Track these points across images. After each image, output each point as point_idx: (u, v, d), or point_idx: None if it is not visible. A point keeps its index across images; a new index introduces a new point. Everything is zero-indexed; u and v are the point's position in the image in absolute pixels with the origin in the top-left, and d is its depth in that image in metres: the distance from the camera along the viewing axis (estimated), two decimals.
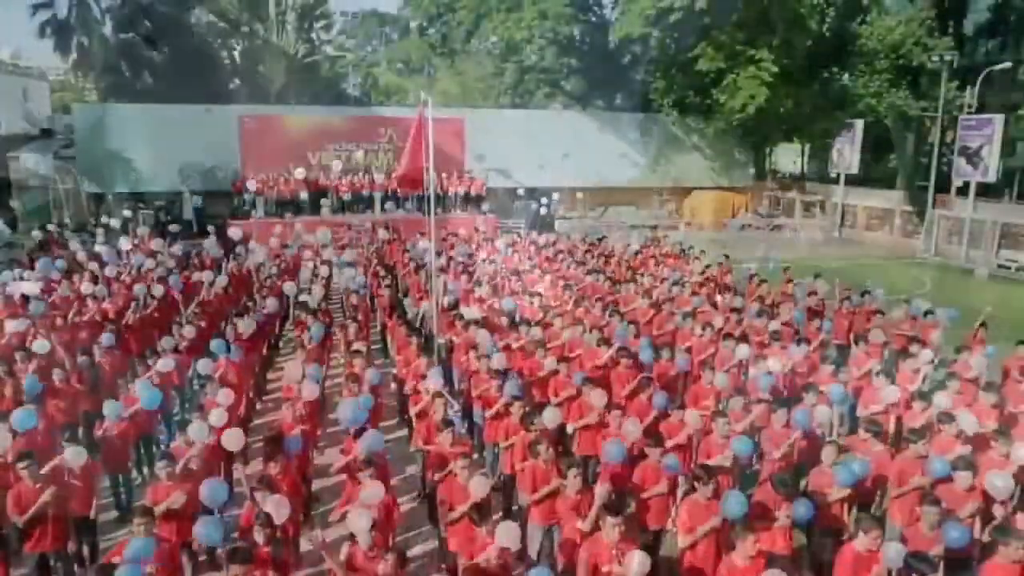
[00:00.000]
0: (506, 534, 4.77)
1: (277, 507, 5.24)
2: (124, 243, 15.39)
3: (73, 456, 6.11)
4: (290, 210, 22.81)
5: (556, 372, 8.06)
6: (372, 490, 5.48)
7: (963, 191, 26.98)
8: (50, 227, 20.62)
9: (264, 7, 33.13)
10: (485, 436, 7.96)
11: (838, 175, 31.77)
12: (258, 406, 10.53)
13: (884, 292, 12.57)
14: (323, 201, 22.86)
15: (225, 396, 7.34)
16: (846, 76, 33.05)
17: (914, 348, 9.59)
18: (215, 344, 9.00)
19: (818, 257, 24.42)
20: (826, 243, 29.24)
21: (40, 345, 8.85)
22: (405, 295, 13.58)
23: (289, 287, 12.13)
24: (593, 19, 34.63)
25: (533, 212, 25.94)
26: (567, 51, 32.67)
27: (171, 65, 31.87)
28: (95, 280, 12.30)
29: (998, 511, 6.07)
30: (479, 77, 36.54)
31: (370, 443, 6.25)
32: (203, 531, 5.25)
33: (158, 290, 11.57)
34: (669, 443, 6.68)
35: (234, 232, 17.28)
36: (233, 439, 6.66)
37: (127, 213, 20.63)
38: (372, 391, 7.77)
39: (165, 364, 8.45)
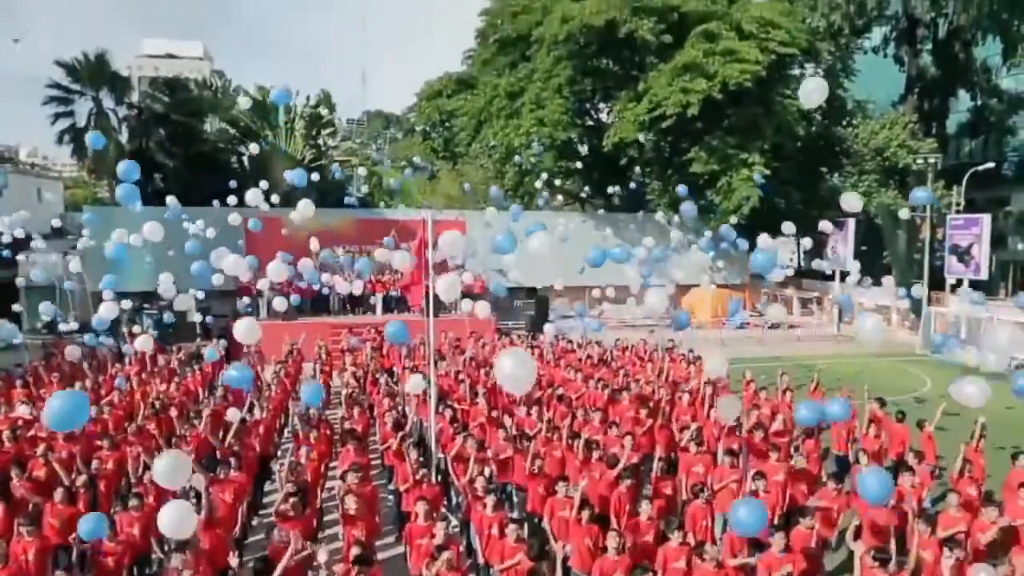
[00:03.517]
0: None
1: None
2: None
3: None
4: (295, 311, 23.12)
5: (555, 492, 8.02)
6: None
7: (958, 286, 27.33)
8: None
9: (274, 115, 34.74)
10: (480, 557, 7.86)
11: (833, 272, 32.23)
12: (254, 521, 10.41)
13: (884, 393, 12.61)
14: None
15: None
16: (836, 176, 34.22)
17: (911, 459, 9.54)
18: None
19: (817, 355, 24.48)
20: (824, 340, 29.36)
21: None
22: (405, 402, 13.60)
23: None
24: (590, 123, 36.12)
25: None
26: (565, 154, 33.84)
27: (183, 170, 32.99)
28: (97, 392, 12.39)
29: None
30: (480, 180, 37.78)
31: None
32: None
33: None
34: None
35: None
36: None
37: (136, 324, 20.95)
38: None
39: None
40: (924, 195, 18.50)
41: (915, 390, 19.91)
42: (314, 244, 22.24)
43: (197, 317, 20.61)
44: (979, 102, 39.78)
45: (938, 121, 38.51)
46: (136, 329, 21.31)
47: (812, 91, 9.69)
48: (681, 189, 23.94)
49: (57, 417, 6.43)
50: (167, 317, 23.67)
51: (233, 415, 10.87)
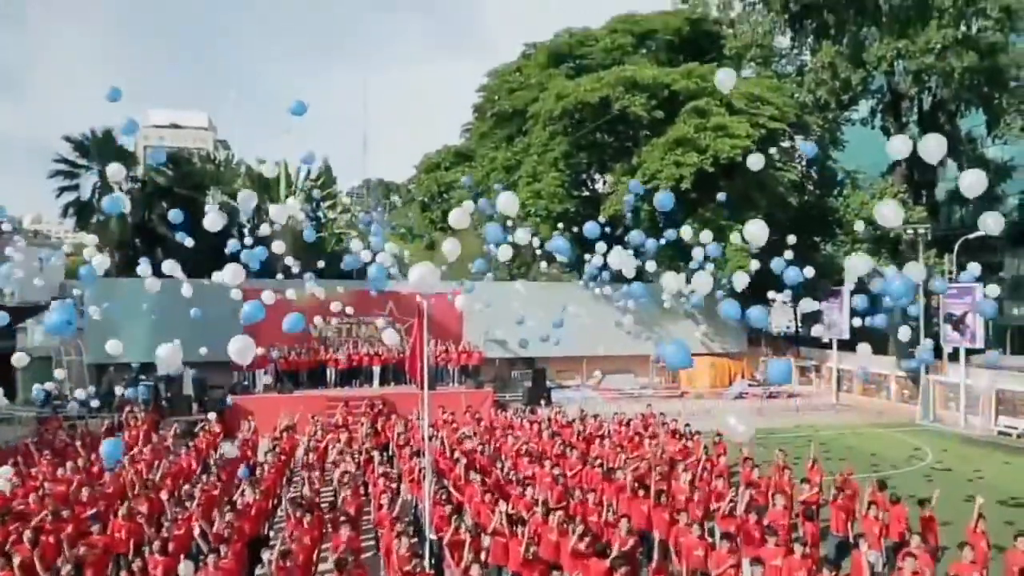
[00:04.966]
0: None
1: None
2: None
3: None
4: (291, 383, 23.12)
5: None
6: None
7: (956, 355, 27.26)
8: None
9: (275, 189, 35.41)
10: None
11: (831, 340, 32.25)
12: None
13: (885, 465, 12.46)
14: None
15: None
16: (830, 245, 34.63)
17: (914, 541, 9.40)
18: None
19: (816, 425, 24.37)
20: (823, 409, 29.19)
21: None
22: (400, 480, 13.43)
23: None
24: (586, 193, 36.76)
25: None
26: (560, 224, 34.25)
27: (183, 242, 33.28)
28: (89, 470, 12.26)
29: None
30: (478, 251, 38.11)
31: None
32: None
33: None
34: None
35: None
36: None
37: (128, 391, 20.90)
38: None
39: None
40: (809, 148, 19.59)
41: (919, 460, 19.69)
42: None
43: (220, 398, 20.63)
44: (966, 171, 40.51)
45: (927, 190, 39.11)
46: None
47: (723, 80, 12.69)
48: (633, 184, 23.92)
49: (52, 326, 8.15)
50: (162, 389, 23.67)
51: (229, 451, 10.91)
